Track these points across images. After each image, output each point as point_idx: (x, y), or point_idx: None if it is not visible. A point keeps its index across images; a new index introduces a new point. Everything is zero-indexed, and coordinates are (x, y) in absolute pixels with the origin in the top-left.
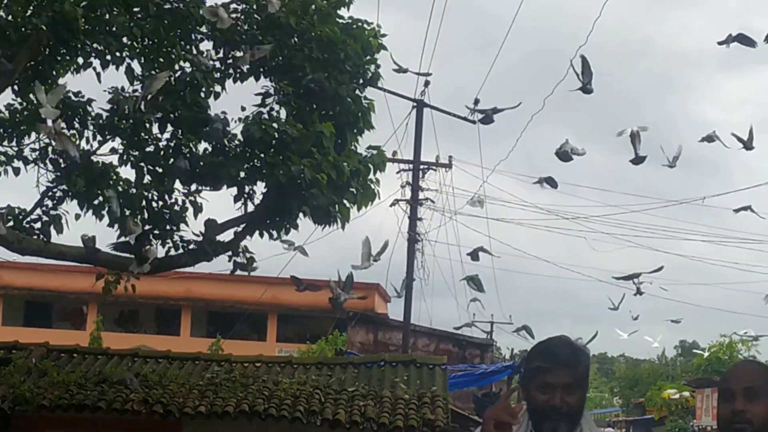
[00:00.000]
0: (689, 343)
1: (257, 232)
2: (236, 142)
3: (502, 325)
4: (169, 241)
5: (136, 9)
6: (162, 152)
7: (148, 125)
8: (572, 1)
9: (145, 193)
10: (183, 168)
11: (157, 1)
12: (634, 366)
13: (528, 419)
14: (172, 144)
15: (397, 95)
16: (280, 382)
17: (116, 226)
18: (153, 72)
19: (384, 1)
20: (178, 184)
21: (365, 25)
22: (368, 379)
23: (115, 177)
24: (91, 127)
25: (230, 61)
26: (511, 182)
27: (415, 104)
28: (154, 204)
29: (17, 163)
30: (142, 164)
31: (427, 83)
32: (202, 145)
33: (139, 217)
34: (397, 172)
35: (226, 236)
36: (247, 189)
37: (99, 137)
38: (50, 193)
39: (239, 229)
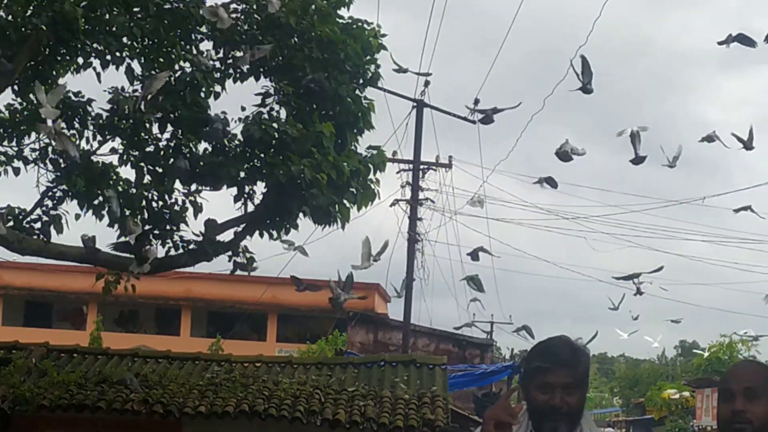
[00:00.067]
0: (689, 343)
1: (257, 232)
2: (236, 142)
3: (502, 325)
4: (169, 241)
5: (136, 9)
6: (162, 152)
7: (148, 125)
8: (572, 1)
9: (145, 193)
10: (183, 168)
11: (157, 1)
12: (634, 366)
13: (528, 419)
14: (172, 144)
15: (397, 95)
16: (280, 382)
17: (116, 226)
18: (153, 72)
19: (384, 1)
20: (178, 184)
21: (365, 25)
22: (368, 379)
23: (115, 177)
24: (91, 127)
25: (230, 61)
26: (511, 182)
27: (415, 104)
28: (154, 204)
29: (17, 163)
30: (142, 164)
31: (427, 83)
32: (202, 145)
33: (139, 217)
34: (397, 172)
35: (226, 236)
36: (247, 189)
37: (99, 137)
38: (50, 193)
39: (239, 229)
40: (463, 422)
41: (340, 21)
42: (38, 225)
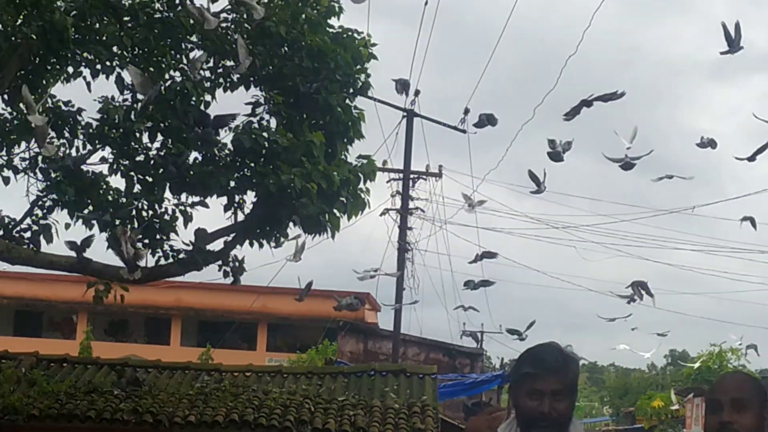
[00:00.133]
0: (679, 352)
1: (247, 242)
2: (226, 151)
3: (492, 334)
4: (159, 250)
5: (126, 18)
6: (152, 161)
7: (138, 134)
8: (563, 11)
9: (135, 203)
10: (173, 170)
11: (147, 10)
12: (624, 375)
13: (517, 426)
14: (162, 153)
15: (387, 105)
16: (270, 391)
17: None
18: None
19: (374, 11)
20: (168, 194)
21: (355, 35)
22: (358, 388)
23: (105, 186)
24: (81, 137)
25: (220, 70)
26: (501, 191)
27: (405, 114)
28: (144, 213)
29: (7, 172)
30: (132, 173)
31: (417, 93)
32: (193, 155)
33: (129, 226)
34: (387, 182)
35: (216, 245)
36: (237, 198)
37: (89, 146)
38: (40, 203)
39: (229, 238)
40: None
41: (331, 30)
42: (28, 234)
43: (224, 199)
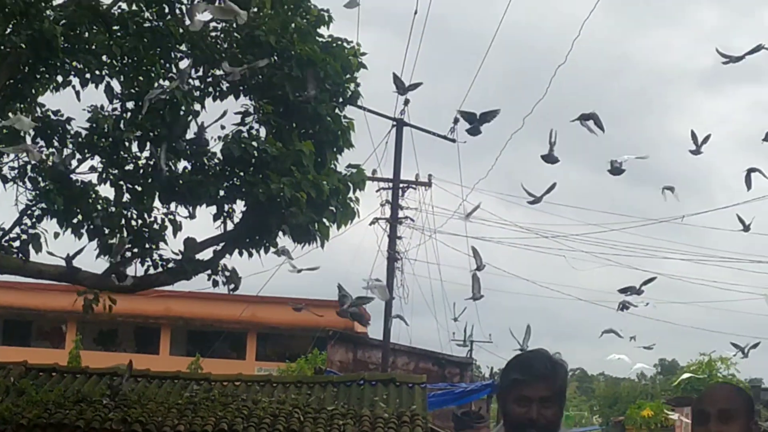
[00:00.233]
0: (668, 361)
1: (236, 251)
2: (216, 160)
3: (481, 343)
4: (148, 259)
5: (115, 27)
6: (141, 171)
7: (127, 144)
8: (553, 19)
9: (125, 212)
10: (163, 174)
11: (136, 19)
12: (613, 384)
13: None
14: (151, 162)
15: (376, 114)
16: (260, 401)
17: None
18: (132, 90)
19: (364, 20)
20: (157, 203)
21: (345, 44)
22: (347, 397)
23: (94, 195)
24: (71, 146)
25: (210, 79)
26: (491, 201)
27: (394, 123)
28: (134, 222)
29: None
30: (122, 183)
31: (406, 102)
32: (182, 164)
33: (118, 235)
34: (377, 191)
35: (206, 255)
36: (226, 207)
37: (78, 155)
38: (29, 212)
39: (218, 247)
40: None
41: (320, 39)
42: (17, 243)
43: (213, 209)
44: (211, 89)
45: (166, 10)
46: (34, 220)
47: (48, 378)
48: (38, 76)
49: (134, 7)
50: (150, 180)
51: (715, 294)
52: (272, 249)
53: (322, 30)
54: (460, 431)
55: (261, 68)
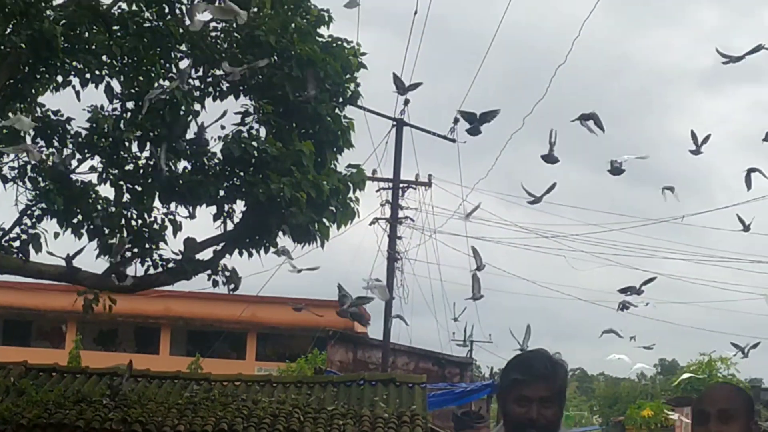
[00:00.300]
0: (669, 361)
1: (236, 251)
2: (216, 160)
3: (481, 343)
4: (148, 259)
5: (115, 27)
6: (141, 171)
7: (127, 144)
8: (553, 19)
9: (125, 212)
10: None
11: (136, 19)
12: (613, 384)
13: None
14: (151, 162)
15: (376, 114)
16: (260, 401)
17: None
18: (132, 90)
19: (363, 20)
20: (157, 203)
21: (345, 44)
22: (347, 397)
23: (94, 195)
24: (71, 146)
25: (210, 79)
26: (490, 201)
27: (394, 123)
28: (134, 222)
29: None
30: (122, 183)
31: (406, 102)
32: (182, 164)
33: (118, 235)
34: (377, 191)
35: (206, 255)
36: (226, 207)
37: (78, 155)
38: (29, 212)
39: (218, 247)
40: None
41: (320, 39)
42: (17, 243)
43: (213, 208)
44: (211, 89)
45: (166, 10)
46: (34, 220)
47: (48, 378)
48: (38, 76)
49: (134, 7)
50: (150, 180)
51: (715, 294)
52: (272, 249)
53: (322, 30)
54: (460, 431)
55: (261, 68)
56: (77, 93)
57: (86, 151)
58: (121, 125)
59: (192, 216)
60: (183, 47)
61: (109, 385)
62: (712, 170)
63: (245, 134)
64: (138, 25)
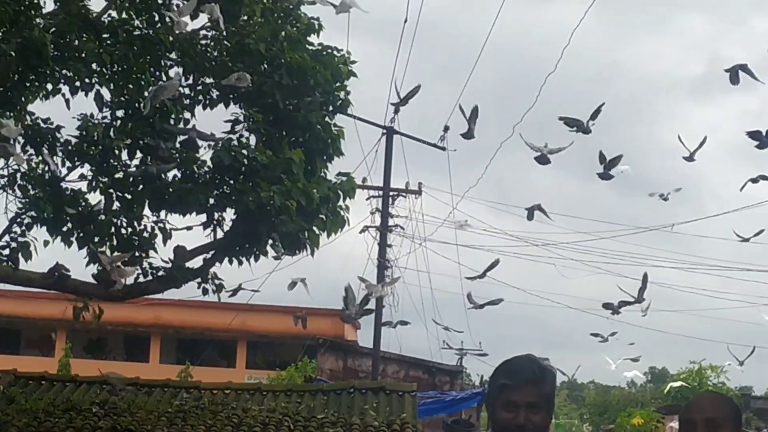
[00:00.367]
0: (659, 369)
1: (227, 259)
2: (206, 168)
3: (474, 354)
4: (138, 267)
5: (105, 35)
6: (131, 179)
7: (117, 151)
8: (543, 27)
9: (114, 220)
10: (153, 173)
11: (126, 27)
12: (603, 392)
13: None
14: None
15: (366, 122)
16: (249, 409)
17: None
18: (122, 98)
19: (354, 28)
20: (147, 211)
21: (335, 52)
22: (338, 406)
23: (84, 203)
24: (60, 153)
25: (200, 87)
26: (481, 209)
27: (384, 131)
28: (123, 230)
29: None
30: (111, 190)
31: (396, 110)
32: (172, 172)
33: (108, 243)
34: (367, 199)
35: (196, 263)
36: (216, 215)
37: (68, 163)
38: (19, 220)
39: (208, 255)
40: None
41: (310, 48)
42: (6, 251)
43: (203, 217)
44: (201, 97)
45: (156, 18)
46: (23, 228)
47: (38, 386)
48: (28, 84)
49: (124, 15)
50: (140, 188)
51: (705, 302)
52: (263, 257)
53: (312, 38)
54: None
55: (251, 76)
56: (67, 101)
57: (76, 159)
58: (111, 133)
59: (188, 228)
60: (173, 55)
61: (108, 391)
62: (701, 179)
63: (235, 142)
64: (128, 33)
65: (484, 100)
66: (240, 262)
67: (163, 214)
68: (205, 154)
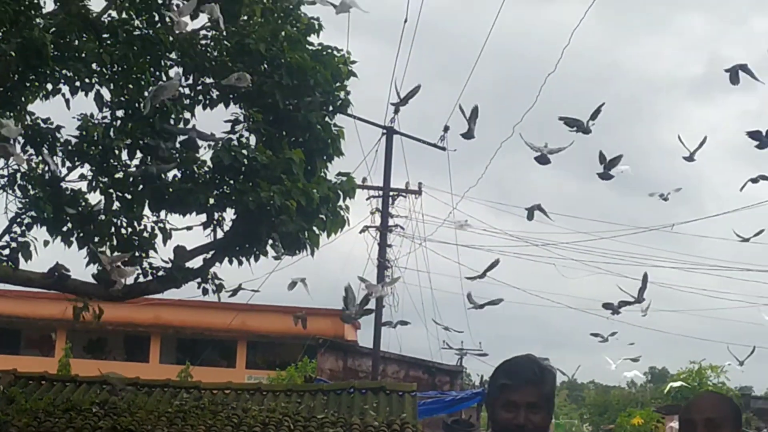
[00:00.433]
0: (659, 369)
1: (227, 259)
2: (206, 168)
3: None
4: (138, 267)
5: (105, 35)
6: (131, 179)
7: (117, 151)
8: (543, 27)
9: (114, 220)
10: (153, 173)
11: (126, 27)
12: (603, 392)
13: None
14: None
15: (367, 122)
16: (249, 409)
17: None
18: (122, 98)
19: (354, 28)
20: (147, 211)
21: (335, 52)
22: (338, 406)
23: (84, 203)
24: (60, 153)
25: (200, 87)
26: (481, 209)
27: (384, 131)
28: (123, 230)
29: None
30: (111, 190)
31: (397, 110)
32: (172, 172)
33: (108, 243)
34: (367, 199)
35: (195, 263)
36: (216, 216)
37: (68, 163)
38: (18, 220)
39: (208, 255)
40: None
41: (310, 48)
42: (6, 252)
43: (203, 217)
44: (201, 97)
45: (156, 19)
46: (23, 228)
47: (38, 386)
48: (28, 84)
49: (124, 15)
50: (140, 188)
51: (705, 302)
52: (263, 257)
53: (312, 38)
54: None
55: (251, 76)
56: (67, 101)
57: (76, 159)
58: (111, 133)
59: (188, 228)
60: (173, 55)
61: (108, 391)
62: (701, 179)
63: (235, 142)
64: (128, 33)
65: (484, 100)
66: (240, 262)
67: (163, 214)
68: (205, 154)
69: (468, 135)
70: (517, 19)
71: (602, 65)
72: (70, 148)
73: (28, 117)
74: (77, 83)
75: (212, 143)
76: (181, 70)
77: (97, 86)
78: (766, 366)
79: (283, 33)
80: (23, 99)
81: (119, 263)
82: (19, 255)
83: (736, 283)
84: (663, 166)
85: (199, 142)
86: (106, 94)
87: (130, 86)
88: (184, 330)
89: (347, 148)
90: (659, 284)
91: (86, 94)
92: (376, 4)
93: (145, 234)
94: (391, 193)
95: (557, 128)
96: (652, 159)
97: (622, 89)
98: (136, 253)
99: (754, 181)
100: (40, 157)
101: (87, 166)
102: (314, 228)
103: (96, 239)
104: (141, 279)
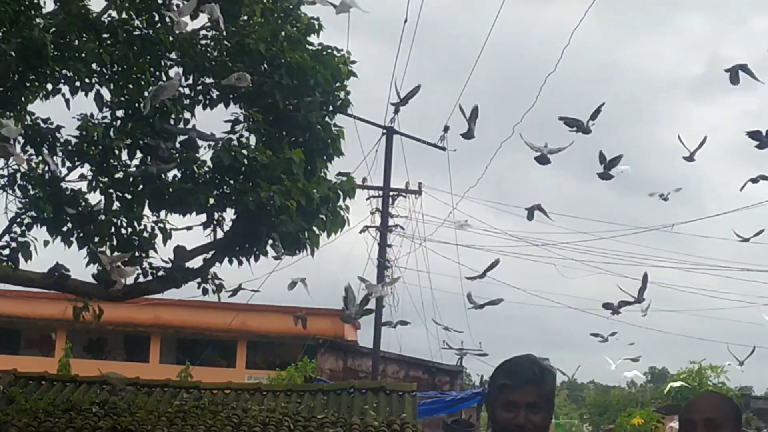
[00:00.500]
0: (659, 369)
1: (226, 259)
2: (206, 168)
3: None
4: (138, 267)
5: (105, 35)
6: (131, 179)
7: (117, 152)
8: (543, 27)
9: (114, 220)
10: (153, 173)
11: (126, 27)
12: (603, 392)
13: None
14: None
15: (367, 122)
16: (249, 409)
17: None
18: (122, 98)
19: (354, 28)
20: (147, 211)
21: (335, 52)
22: (338, 406)
23: (84, 203)
24: (60, 153)
25: (200, 87)
26: (481, 209)
27: (384, 131)
28: (123, 230)
29: None
30: (111, 190)
31: (397, 110)
32: (172, 172)
33: (108, 243)
34: (367, 199)
35: (195, 263)
36: (216, 216)
37: (68, 163)
38: (19, 220)
39: (208, 255)
40: None
41: (310, 48)
42: (6, 251)
43: (203, 217)
44: (201, 97)
45: (156, 19)
46: (23, 228)
47: (38, 386)
48: (28, 84)
49: (124, 15)
50: (140, 188)
51: (705, 302)
52: (263, 257)
53: (312, 38)
54: None
55: (251, 76)
56: (67, 101)
57: (76, 159)
58: (111, 133)
59: (188, 228)
60: (173, 55)
61: (108, 391)
62: (701, 179)
63: (235, 142)
64: (128, 33)
65: (484, 100)
66: (240, 262)
67: (163, 214)
68: (205, 154)
69: (468, 135)
70: (517, 19)
71: (602, 65)
72: (70, 148)
73: (28, 117)
74: (77, 83)
75: (212, 143)
76: (181, 70)
77: (97, 86)
78: (766, 366)
79: (283, 33)
80: (23, 99)
81: (119, 263)
82: (19, 255)
83: (736, 283)
84: (663, 166)
85: (199, 142)
86: (106, 94)
87: (130, 86)
88: (184, 330)
89: (347, 148)
90: (659, 284)
91: (86, 94)
92: (376, 4)
93: (145, 234)
94: (391, 193)
95: (557, 128)
96: (652, 159)
97: (622, 89)
98: (136, 253)
99: (754, 181)
100: (40, 157)
101: (87, 166)
102: (314, 228)
103: (96, 239)
104: (141, 279)
